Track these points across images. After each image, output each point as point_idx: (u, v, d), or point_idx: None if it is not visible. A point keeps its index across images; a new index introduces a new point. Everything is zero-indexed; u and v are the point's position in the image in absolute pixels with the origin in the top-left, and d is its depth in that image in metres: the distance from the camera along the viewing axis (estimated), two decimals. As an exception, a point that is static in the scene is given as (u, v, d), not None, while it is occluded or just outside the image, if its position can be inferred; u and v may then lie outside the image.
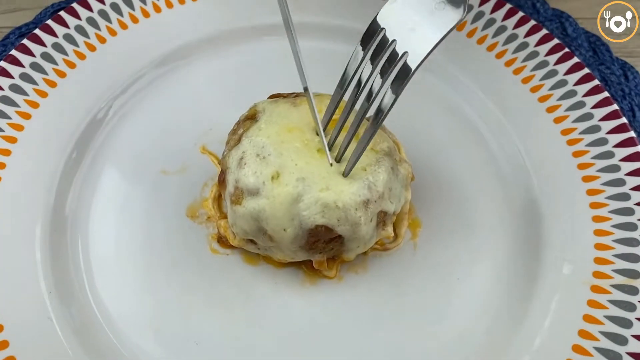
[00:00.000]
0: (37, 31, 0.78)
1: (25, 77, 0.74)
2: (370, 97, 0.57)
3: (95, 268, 0.67)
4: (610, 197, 0.69)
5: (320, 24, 0.86)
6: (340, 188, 0.59)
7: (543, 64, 0.79)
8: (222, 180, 0.65)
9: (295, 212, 0.59)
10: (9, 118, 0.71)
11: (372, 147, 0.64)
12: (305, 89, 0.63)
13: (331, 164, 0.60)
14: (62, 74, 0.76)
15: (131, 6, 0.83)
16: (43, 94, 0.74)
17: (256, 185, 0.60)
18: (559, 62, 0.79)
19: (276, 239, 0.61)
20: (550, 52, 0.80)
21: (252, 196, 0.61)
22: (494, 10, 0.83)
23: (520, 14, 0.82)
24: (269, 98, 0.70)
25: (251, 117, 0.67)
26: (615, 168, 0.71)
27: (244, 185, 0.61)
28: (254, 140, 0.63)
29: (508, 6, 0.83)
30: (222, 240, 0.68)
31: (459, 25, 0.82)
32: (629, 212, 0.68)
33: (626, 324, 0.62)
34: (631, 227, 0.67)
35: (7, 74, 0.74)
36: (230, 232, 0.66)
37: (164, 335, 0.64)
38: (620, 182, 0.70)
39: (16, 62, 0.75)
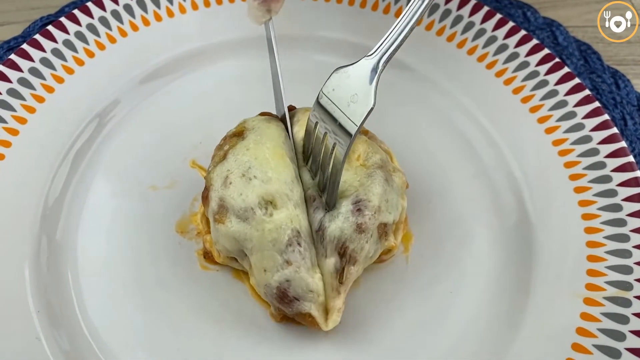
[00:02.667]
0: (24, 46, 0.77)
1: (12, 92, 0.74)
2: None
3: (84, 286, 0.66)
4: (602, 209, 0.69)
5: (314, 38, 0.87)
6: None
7: (534, 74, 0.79)
8: (205, 197, 0.64)
9: (280, 265, 0.59)
10: (-3, 134, 0.71)
11: (362, 163, 0.64)
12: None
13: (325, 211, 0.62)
14: (50, 89, 0.76)
15: (120, 20, 0.82)
16: (31, 110, 0.74)
17: (244, 209, 0.60)
18: (549, 72, 0.79)
19: (255, 273, 0.61)
20: (541, 62, 0.79)
21: (239, 219, 0.60)
22: (484, 20, 0.83)
23: (511, 24, 0.82)
24: (259, 115, 0.69)
25: (238, 134, 0.66)
26: (607, 179, 0.70)
27: (230, 206, 0.60)
28: (239, 159, 0.62)
29: (498, 16, 0.83)
30: (208, 256, 0.68)
31: (449, 36, 0.83)
32: (621, 223, 0.68)
33: (620, 337, 0.61)
34: (623, 238, 0.67)
35: (-5, 90, 0.73)
36: (215, 249, 0.66)
37: (153, 353, 0.63)
38: (612, 193, 0.70)
39: (3, 78, 0.74)
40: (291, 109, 0.70)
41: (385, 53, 0.59)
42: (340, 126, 0.59)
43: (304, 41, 0.86)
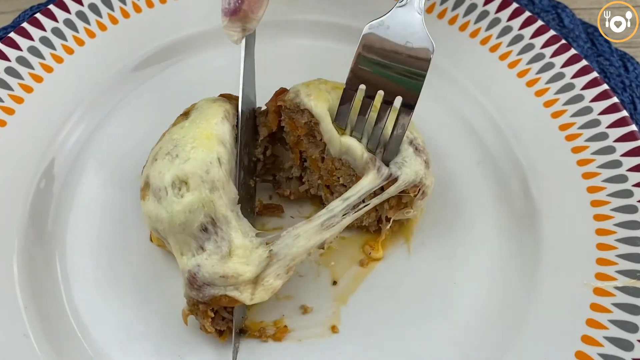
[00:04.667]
0: (12, 35, 0.75)
1: (0, 83, 0.72)
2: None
3: (73, 281, 0.64)
4: (611, 195, 0.66)
5: (314, 22, 0.85)
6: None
7: (539, 57, 0.76)
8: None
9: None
10: (-17, 125, 0.69)
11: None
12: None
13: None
14: (38, 79, 0.74)
15: (110, 7, 0.80)
16: (19, 100, 0.72)
17: (159, 188, 0.58)
18: (555, 54, 0.76)
19: (176, 258, 0.59)
20: (547, 44, 0.77)
21: (155, 198, 0.58)
22: (486, 2, 0.80)
23: (515, 5, 0.79)
24: (219, 96, 0.67)
25: (185, 114, 0.64)
26: (616, 164, 0.68)
27: (151, 183, 0.59)
28: (170, 138, 0.61)
29: (501, -3, 0.80)
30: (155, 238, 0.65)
31: (451, 19, 0.81)
32: (631, 209, 0.65)
33: (631, 328, 0.59)
34: (634, 225, 0.64)
35: (-18, 80, 0.71)
36: None
37: (146, 350, 0.61)
38: (622, 179, 0.67)
39: (-10, 67, 0.72)
40: (282, 91, 0.67)
41: None
42: (404, 75, 0.59)
43: (283, 26, 0.84)
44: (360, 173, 0.63)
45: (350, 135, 0.63)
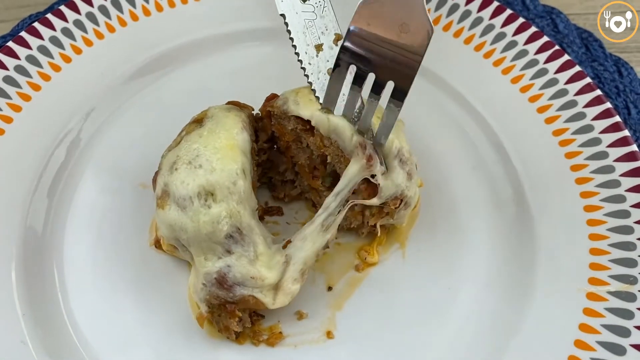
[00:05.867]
0: (10, 43, 0.76)
1: (-2, 91, 0.72)
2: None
3: (71, 288, 0.65)
4: (605, 200, 0.67)
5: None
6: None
7: (532, 63, 0.77)
8: (154, 180, 0.63)
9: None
10: (-19, 133, 0.69)
11: (376, 114, 0.61)
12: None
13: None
14: (36, 87, 0.74)
15: (107, 15, 0.81)
16: (17, 108, 0.72)
17: (183, 198, 0.58)
18: (549, 60, 0.76)
19: (196, 263, 0.60)
20: (540, 50, 0.77)
21: (178, 207, 0.59)
22: (481, 8, 0.81)
23: (509, 11, 0.80)
24: (226, 104, 0.68)
25: (198, 121, 0.64)
26: (609, 169, 0.68)
27: (172, 192, 0.59)
28: (189, 146, 0.61)
29: (495, 4, 0.81)
30: (158, 244, 0.66)
31: (445, 25, 0.81)
32: (624, 214, 0.65)
33: (624, 332, 0.59)
34: (627, 230, 0.64)
35: (-20, 88, 0.72)
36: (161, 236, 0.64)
37: (143, 356, 0.61)
38: (615, 184, 0.67)
39: (-11, 76, 0.73)
40: (272, 97, 0.67)
41: None
42: (393, 60, 0.55)
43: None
44: (348, 155, 0.61)
45: (344, 116, 0.61)
